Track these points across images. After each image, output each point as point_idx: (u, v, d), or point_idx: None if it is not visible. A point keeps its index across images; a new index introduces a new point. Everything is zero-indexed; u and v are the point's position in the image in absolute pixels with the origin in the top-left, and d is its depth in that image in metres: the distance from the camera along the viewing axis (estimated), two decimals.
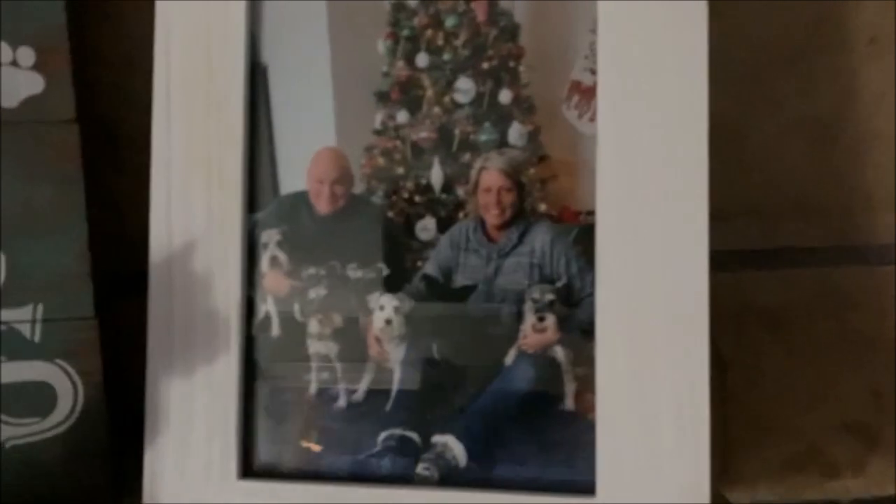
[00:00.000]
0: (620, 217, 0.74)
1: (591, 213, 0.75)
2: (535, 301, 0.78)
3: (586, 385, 0.77)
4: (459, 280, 0.79)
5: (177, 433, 0.77)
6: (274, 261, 0.80)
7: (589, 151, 0.76)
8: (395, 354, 0.80)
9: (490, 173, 0.80)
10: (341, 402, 0.81)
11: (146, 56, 0.76)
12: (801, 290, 0.88)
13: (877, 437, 0.89)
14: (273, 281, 0.82)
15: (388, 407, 0.80)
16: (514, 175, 0.79)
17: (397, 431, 0.79)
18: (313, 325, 0.81)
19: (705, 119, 0.70)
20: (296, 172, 0.80)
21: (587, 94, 0.76)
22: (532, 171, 0.79)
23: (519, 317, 0.79)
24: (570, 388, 0.78)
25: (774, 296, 0.87)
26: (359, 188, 0.81)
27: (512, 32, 0.76)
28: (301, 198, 0.79)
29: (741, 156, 0.85)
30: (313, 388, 0.81)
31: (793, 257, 0.85)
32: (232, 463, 0.78)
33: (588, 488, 0.73)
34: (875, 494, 0.88)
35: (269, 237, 0.80)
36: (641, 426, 0.73)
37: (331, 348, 0.81)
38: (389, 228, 0.80)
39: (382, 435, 0.79)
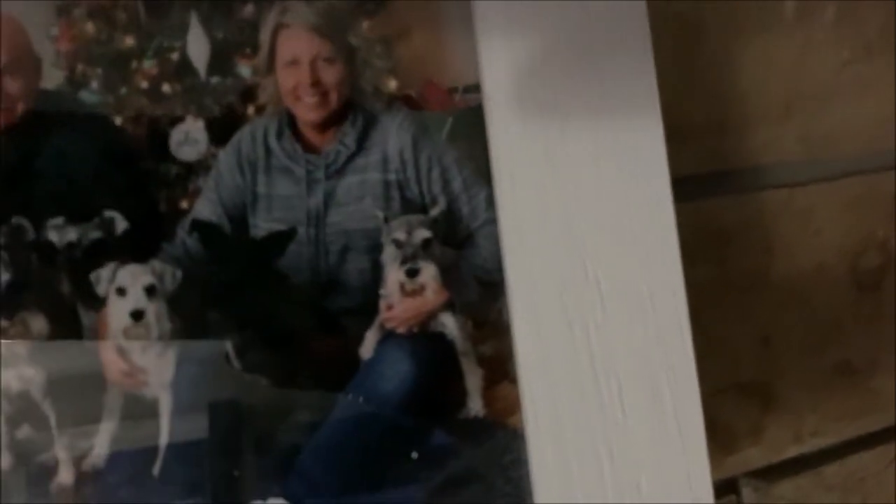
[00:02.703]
0: (520, 90, 0.46)
1: (473, 88, 0.46)
2: (399, 244, 0.48)
3: (499, 371, 0.48)
4: (261, 224, 0.48)
5: None
6: None
7: None
8: (158, 373, 0.47)
9: (294, 34, 0.48)
10: (64, 478, 0.46)
11: None
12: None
13: (771, 394, 0.71)
14: None
15: (157, 470, 0.45)
16: (334, 34, 0.48)
17: None
18: None
19: None
20: None
21: None
22: (366, 25, 0.48)
23: (375, 274, 0.47)
24: (473, 379, 0.49)
25: None
26: (53, 79, 0.47)
27: None
28: None
29: None
30: (6, 461, 0.45)
31: None
32: None
33: None
34: (774, 461, 0.71)
35: None
36: (598, 422, 0.47)
37: (30, 381, 0.46)
38: (120, 146, 0.47)
39: None
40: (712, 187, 0.68)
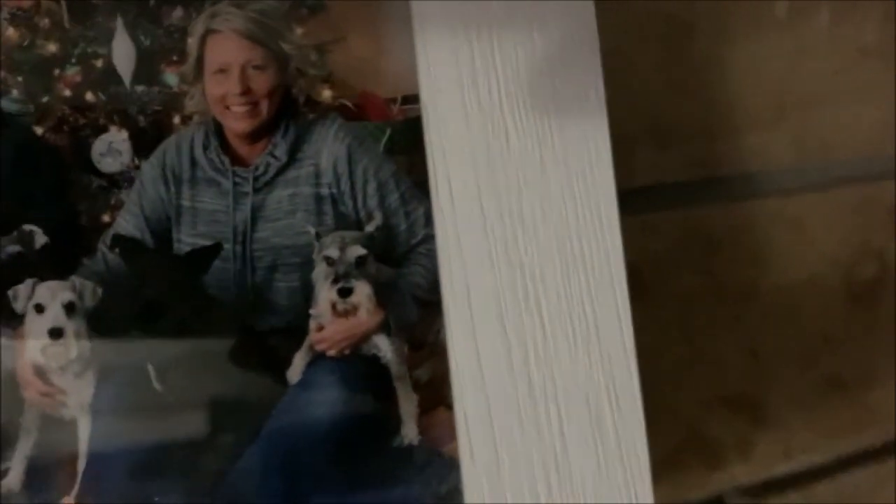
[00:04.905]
0: (461, 101, 0.42)
1: (412, 99, 0.42)
2: (331, 262, 0.45)
3: (435, 396, 0.45)
4: (185, 239, 0.45)
5: None
6: None
7: None
8: (77, 394, 0.45)
9: (223, 40, 0.45)
10: None
11: None
12: (660, 238, 0.66)
13: (760, 408, 0.70)
14: None
15: (75, 492, 0.42)
16: (266, 40, 0.45)
17: None
18: None
19: None
20: None
21: None
22: (300, 31, 0.45)
23: (306, 293, 0.45)
24: (408, 405, 0.46)
25: (631, 246, 0.59)
26: None
27: None
28: None
29: None
30: None
31: (650, 198, 0.64)
32: None
33: None
34: (762, 478, 0.70)
35: None
36: (536, 451, 0.43)
37: None
38: (40, 156, 0.45)
39: None
40: (701, 194, 0.67)
